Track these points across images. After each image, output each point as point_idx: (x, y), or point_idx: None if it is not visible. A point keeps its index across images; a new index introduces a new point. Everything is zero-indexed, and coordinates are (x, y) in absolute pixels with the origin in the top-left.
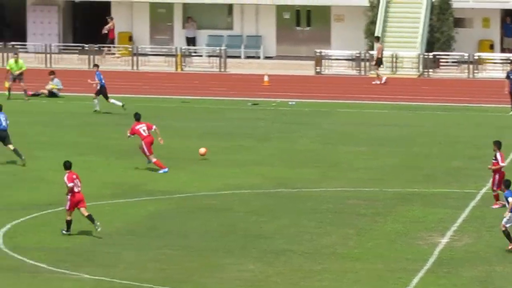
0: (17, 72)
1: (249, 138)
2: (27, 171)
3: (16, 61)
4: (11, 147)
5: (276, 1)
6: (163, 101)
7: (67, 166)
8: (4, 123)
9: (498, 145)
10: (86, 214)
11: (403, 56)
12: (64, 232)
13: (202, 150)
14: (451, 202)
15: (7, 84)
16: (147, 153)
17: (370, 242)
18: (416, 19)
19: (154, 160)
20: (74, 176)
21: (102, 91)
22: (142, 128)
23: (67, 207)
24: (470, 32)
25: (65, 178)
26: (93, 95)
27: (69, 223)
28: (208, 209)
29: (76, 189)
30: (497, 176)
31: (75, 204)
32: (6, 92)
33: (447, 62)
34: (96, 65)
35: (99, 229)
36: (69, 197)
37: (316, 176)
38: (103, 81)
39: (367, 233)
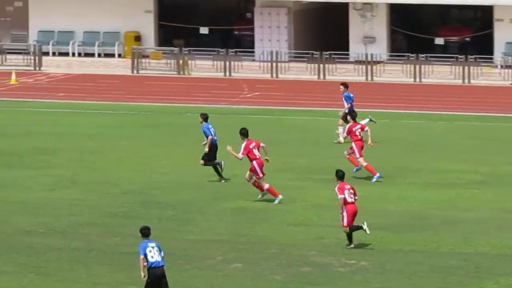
0: None
1: None
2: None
3: None
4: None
5: None
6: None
7: (340, 175)
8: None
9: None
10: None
11: None
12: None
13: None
14: None
15: None
16: None
17: None
18: None
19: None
20: (348, 187)
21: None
22: None
23: (345, 224)
24: None
25: (336, 189)
26: (339, 121)
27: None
28: None
29: (349, 200)
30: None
31: (353, 216)
32: None
33: None
34: (344, 85)
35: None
36: (344, 211)
37: None
38: (352, 105)
39: None
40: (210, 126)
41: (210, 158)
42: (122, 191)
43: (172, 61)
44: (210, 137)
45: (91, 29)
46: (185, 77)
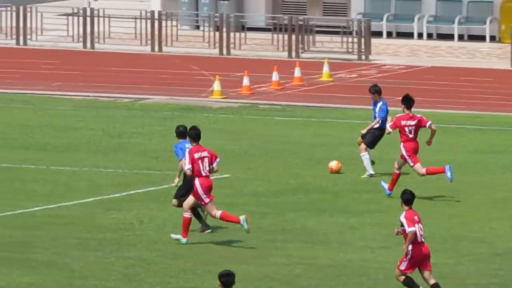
0: None
1: None
2: None
3: None
4: None
5: None
6: None
7: (406, 198)
8: None
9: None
10: (432, 282)
11: None
12: None
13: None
14: None
15: None
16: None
17: None
18: None
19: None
20: (416, 218)
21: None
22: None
23: (403, 268)
24: None
25: (402, 217)
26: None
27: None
28: None
29: (419, 239)
30: None
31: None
32: None
33: None
34: (376, 89)
35: None
36: (409, 249)
37: None
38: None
39: None
40: None
41: None
42: (495, 251)
43: None
44: None
45: None
46: None
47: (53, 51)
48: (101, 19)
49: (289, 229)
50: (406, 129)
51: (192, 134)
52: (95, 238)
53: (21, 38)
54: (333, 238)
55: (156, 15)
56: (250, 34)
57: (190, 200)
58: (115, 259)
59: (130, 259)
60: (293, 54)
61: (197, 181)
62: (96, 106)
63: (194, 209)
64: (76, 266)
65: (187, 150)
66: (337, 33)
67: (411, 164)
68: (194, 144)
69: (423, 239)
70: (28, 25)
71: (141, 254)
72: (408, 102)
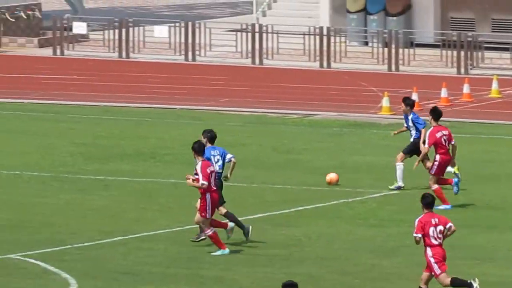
0: None
1: None
2: None
3: None
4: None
5: None
6: None
7: (427, 203)
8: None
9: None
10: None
11: None
12: None
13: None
14: None
15: None
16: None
17: None
18: None
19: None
20: (434, 221)
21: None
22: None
23: (438, 272)
24: None
25: (416, 222)
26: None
27: None
28: None
29: (435, 242)
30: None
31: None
32: None
33: None
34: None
35: None
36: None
37: None
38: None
39: None
40: None
41: None
42: None
43: None
44: None
45: None
46: None
47: (221, 67)
48: (269, 35)
49: (458, 245)
50: (442, 140)
51: (197, 148)
52: (264, 254)
53: (190, 54)
54: (502, 255)
55: (324, 31)
56: (418, 50)
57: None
58: (284, 275)
59: (299, 275)
60: (462, 70)
61: (208, 196)
62: (264, 122)
63: (232, 216)
64: (245, 282)
65: (201, 164)
66: (506, 49)
67: (432, 172)
68: (203, 159)
69: (441, 242)
70: (197, 41)
71: (310, 270)
72: (437, 114)
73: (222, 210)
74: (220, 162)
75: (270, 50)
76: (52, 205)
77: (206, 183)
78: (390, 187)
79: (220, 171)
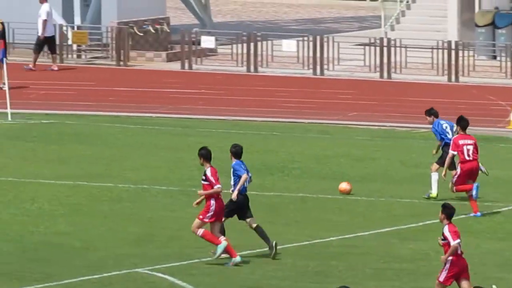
0: None
1: None
2: None
3: None
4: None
5: None
6: None
7: (450, 214)
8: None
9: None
10: None
11: None
12: None
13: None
14: None
15: None
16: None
17: None
18: None
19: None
20: (455, 229)
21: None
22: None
23: (442, 279)
24: None
25: (447, 231)
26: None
27: None
28: None
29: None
30: None
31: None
32: None
33: None
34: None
35: None
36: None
37: None
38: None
39: None
40: None
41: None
42: None
43: None
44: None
45: None
46: None
47: (349, 81)
48: (397, 49)
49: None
50: (465, 148)
51: (205, 154)
52: (392, 268)
53: (318, 68)
54: None
55: (453, 45)
56: None
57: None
58: None
59: None
60: None
61: (213, 201)
62: (392, 136)
63: (261, 230)
64: None
65: (210, 169)
66: None
67: (453, 180)
68: (210, 165)
69: (461, 250)
70: (325, 55)
71: None
72: (463, 122)
73: (253, 224)
74: (248, 178)
75: (398, 64)
76: (180, 219)
77: (221, 186)
78: (424, 196)
79: (246, 185)
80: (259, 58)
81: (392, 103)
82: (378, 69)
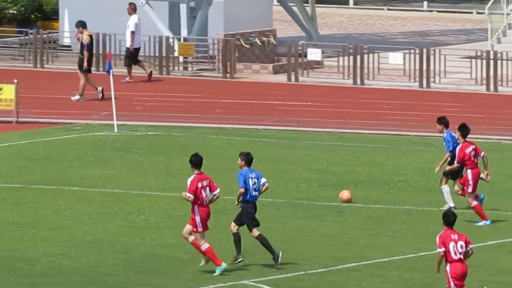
0: None
1: None
2: None
3: None
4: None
5: None
6: None
7: (450, 220)
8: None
9: None
10: None
11: None
12: None
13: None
14: None
15: None
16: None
17: None
18: None
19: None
20: (454, 237)
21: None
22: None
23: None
24: None
25: (437, 238)
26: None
27: None
28: None
29: (455, 256)
30: None
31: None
32: None
33: None
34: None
35: None
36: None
37: None
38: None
39: None
40: None
41: None
42: None
43: None
44: None
45: None
46: None
47: (455, 94)
48: (504, 62)
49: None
50: (471, 156)
51: (194, 161)
52: (495, 281)
53: (424, 80)
54: None
55: None
56: None
57: (188, 228)
58: None
59: None
60: None
61: (197, 209)
62: (499, 149)
63: (264, 239)
64: None
65: (193, 177)
66: None
67: (469, 191)
68: (197, 172)
69: (461, 256)
70: (432, 67)
71: None
72: (465, 130)
73: (255, 232)
74: (256, 185)
75: (504, 77)
76: (286, 231)
77: (191, 195)
78: (441, 208)
79: (256, 193)
80: (365, 71)
81: (499, 116)
82: (484, 82)
